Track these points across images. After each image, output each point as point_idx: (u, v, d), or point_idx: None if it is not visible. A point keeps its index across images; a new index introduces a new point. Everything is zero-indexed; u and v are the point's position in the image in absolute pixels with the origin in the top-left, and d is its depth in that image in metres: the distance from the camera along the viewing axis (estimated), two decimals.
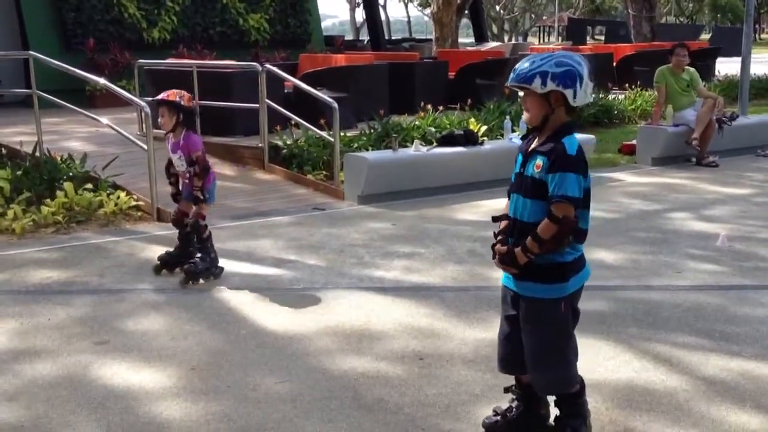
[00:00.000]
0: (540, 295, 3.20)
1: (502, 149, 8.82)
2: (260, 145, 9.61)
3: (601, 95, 14.01)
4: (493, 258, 3.30)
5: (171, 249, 6.05)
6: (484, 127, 10.20)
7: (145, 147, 8.09)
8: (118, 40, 15.62)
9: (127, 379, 4.21)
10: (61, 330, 4.93)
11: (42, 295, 5.55)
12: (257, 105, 9.50)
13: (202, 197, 5.78)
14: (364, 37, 28.23)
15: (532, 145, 3.21)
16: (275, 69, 9.86)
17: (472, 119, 10.57)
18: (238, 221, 7.62)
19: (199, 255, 5.84)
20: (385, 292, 5.53)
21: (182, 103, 5.61)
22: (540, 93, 3.09)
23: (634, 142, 11.06)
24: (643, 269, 6.06)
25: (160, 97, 5.66)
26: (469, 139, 8.84)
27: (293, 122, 9.77)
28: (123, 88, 10.30)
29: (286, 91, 10.86)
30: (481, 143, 8.98)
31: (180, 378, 4.24)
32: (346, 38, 26.80)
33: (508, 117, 9.95)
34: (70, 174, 8.31)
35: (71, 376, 4.27)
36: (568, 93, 3.08)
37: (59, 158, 8.73)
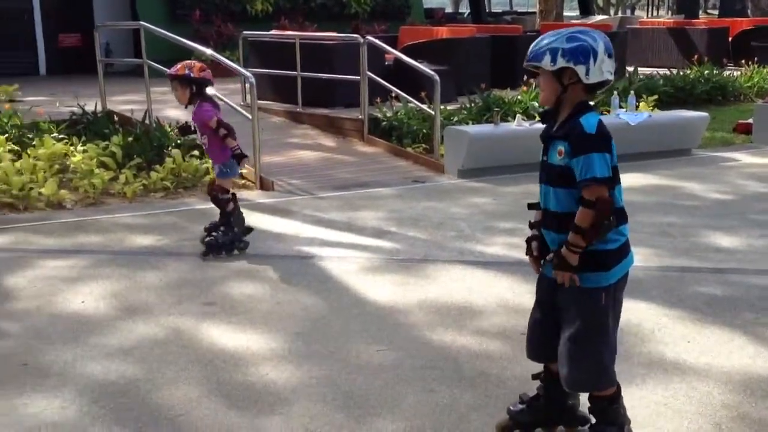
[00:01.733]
0: (579, 284, 2.97)
1: (608, 125, 8.54)
2: (360, 117, 9.65)
3: (715, 71, 13.46)
4: (526, 253, 3.15)
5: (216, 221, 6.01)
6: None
7: (249, 117, 8.23)
8: (222, 11, 15.89)
9: (234, 340, 4.32)
10: (170, 291, 5.09)
11: (153, 257, 5.74)
12: (358, 77, 9.53)
13: (243, 154, 5.70)
14: (464, 9, 27.89)
15: (553, 129, 3.02)
16: (376, 41, 9.86)
17: None
18: (338, 192, 7.69)
19: (221, 228, 5.81)
20: (486, 266, 5.50)
21: (192, 75, 5.49)
22: (551, 71, 2.92)
23: (750, 120, 10.62)
24: (758, 253, 5.84)
25: (168, 73, 5.60)
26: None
27: (393, 95, 9.78)
28: (227, 59, 10.47)
29: (386, 63, 10.86)
30: None
31: (284, 341, 4.32)
32: (445, 11, 26.55)
33: (615, 92, 9.70)
34: (178, 141, 8.53)
35: (181, 334, 4.41)
36: (580, 70, 2.88)
37: (168, 126, 8.97)
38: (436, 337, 4.37)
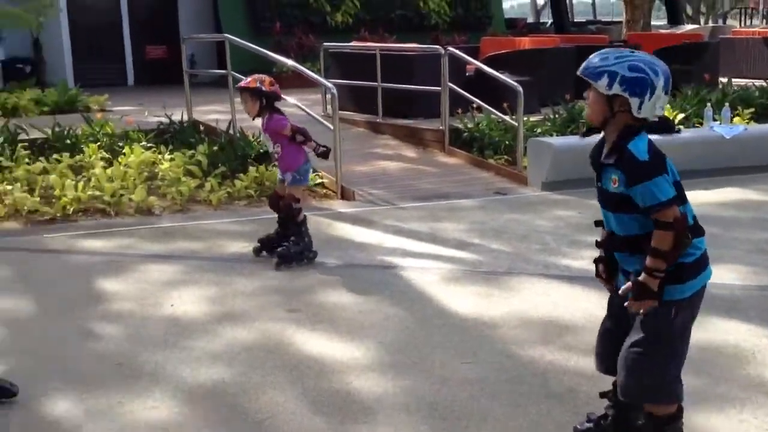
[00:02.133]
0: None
1: (701, 138, 8.46)
2: (441, 128, 9.64)
3: None
4: (596, 275, 3.08)
5: (272, 232, 6.01)
6: (681, 115, 9.78)
7: (331, 127, 8.30)
8: (303, 23, 16.11)
9: (319, 348, 4.34)
10: (256, 297, 5.16)
11: (238, 263, 5.83)
12: (438, 88, 9.52)
13: (325, 147, 5.76)
14: (545, 19, 27.57)
15: (602, 157, 2.92)
16: (458, 52, 9.84)
17: (668, 106, 10.13)
18: (420, 202, 7.69)
19: (292, 238, 5.82)
20: (572, 281, 5.41)
21: (263, 88, 5.59)
22: (604, 94, 2.83)
23: None
24: None
25: (240, 84, 5.70)
26: (665, 126, 8.45)
27: (475, 105, 9.73)
28: (308, 70, 10.59)
29: (467, 74, 10.81)
30: (678, 131, 8.59)
31: (368, 350, 4.32)
32: (527, 21, 26.32)
33: (708, 104, 9.46)
34: (261, 151, 8.66)
35: (267, 340, 4.46)
36: (634, 102, 2.79)
37: (251, 136, 9.12)
38: (522, 351, 4.31)
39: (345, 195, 7.92)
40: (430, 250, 6.18)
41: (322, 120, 9.06)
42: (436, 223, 6.93)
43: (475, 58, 10.55)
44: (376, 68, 10.25)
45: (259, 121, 5.82)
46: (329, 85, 8.60)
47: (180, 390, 3.84)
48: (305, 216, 5.87)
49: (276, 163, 5.88)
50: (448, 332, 4.58)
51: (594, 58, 2.87)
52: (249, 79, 5.65)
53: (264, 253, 5.92)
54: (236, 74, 9.56)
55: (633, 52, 2.89)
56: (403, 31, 16.85)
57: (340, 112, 8.36)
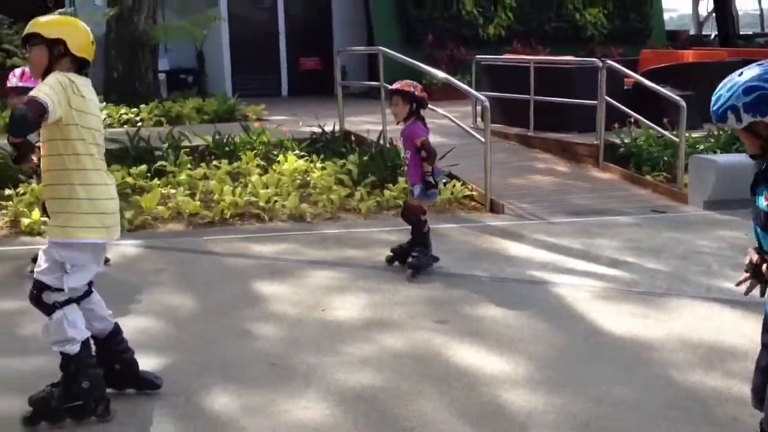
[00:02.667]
0: None
1: None
2: (596, 142, 9.40)
3: None
4: (761, 294, 2.84)
5: (404, 242, 6.01)
6: None
7: (482, 139, 8.26)
8: (454, 36, 16.14)
9: (468, 360, 4.31)
10: (405, 306, 5.18)
11: (391, 272, 5.86)
12: (594, 101, 9.30)
13: (432, 181, 5.72)
14: (707, 31, 26.36)
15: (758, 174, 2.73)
16: (616, 65, 9.58)
17: None
18: (573, 218, 7.52)
19: (417, 249, 5.80)
20: (736, 305, 5.08)
21: (415, 93, 5.63)
22: (741, 129, 2.62)
23: None
24: None
25: (394, 87, 5.72)
26: None
27: (632, 120, 9.44)
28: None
29: (625, 87, 10.50)
30: None
31: (518, 365, 4.25)
32: (690, 33, 25.25)
33: None
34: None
35: (416, 349, 4.46)
36: None
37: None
38: (680, 375, 4.12)
39: (494, 208, 7.84)
40: (583, 267, 6.02)
41: (472, 132, 9.03)
42: (588, 240, 6.75)
43: (632, 71, 10.24)
44: (528, 81, 10.14)
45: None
46: (482, 97, 8.56)
47: (331, 393, 3.90)
48: (429, 227, 5.88)
49: (406, 168, 5.89)
50: (601, 351, 4.44)
51: (713, 102, 2.71)
52: (402, 82, 5.73)
53: (396, 262, 5.98)
54: (387, 86, 9.68)
55: (750, 67, 2.69)
56: (557, 43, 16.54)
57: (492, 125, 8.31)
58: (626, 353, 4.41)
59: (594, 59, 10.15)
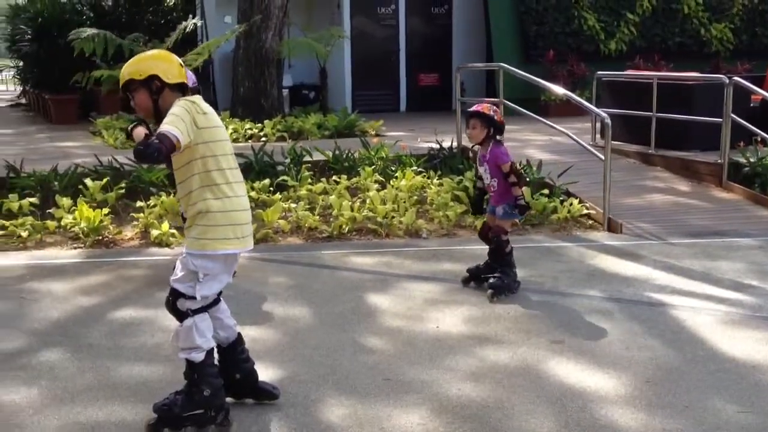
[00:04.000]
0: None
1: None
2: (719, 161, 9.12)
3: None
4: None
5: (480, 263, 5.98)
6: None
7: (602, 156, 8.16)
8: (575, 51, 15.96)
9: (582, 380, 4.29)
10: (518, 323, 5.19)
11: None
12: (718, 119, 9.04)
13: (525, 203, 5.72)
14: None
15: None
16: (743, 81, 9.28)
17: None
18: (693, 239, 7.33)
19: (499, 270, 5.75)
20: None
21: (495, 117, 5.61)
22: None
23: None
24: None
25: (474, 109, 5.69)
26: None
27: (759, 138, 9.11)
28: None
29: (751, 104, 10.16)
30: None
31: (634, 388, 4.20)
32: None
33: None
34: (528, 179, 8.69)
35: (529, 368, 4.47)
36: None
37: (518, 164, 9.18)
38: None
39: (612, 227, 7.73)
40: (703, 290, 5.87)
41: (591, 149, 8.92)
42: (709, 262, 6.57)
43: (760, 88, 9.89)
44: (650, 97, 9.94)
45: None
46: (603, 114, 8.45)
47: (445, 409, 3.96)
48: (511, 248, 5.86)
49: (491, 194, 5.87)
50: (722, 377, 4.34)
51: None
52: (482, 105, 5.76)
53: (472, 283, 5.97)
54: (507, 102, 9.73)
55: None
56: (681, 59, 16.13)
57: (613, 142, 8.19)
58: (748, 380, 4.29)
59: (720, 76, 9.86)
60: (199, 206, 3.67)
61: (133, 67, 3.70)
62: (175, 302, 3.71)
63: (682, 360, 4.59)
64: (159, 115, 3.66)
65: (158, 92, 3.68)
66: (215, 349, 3.84)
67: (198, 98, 3.70)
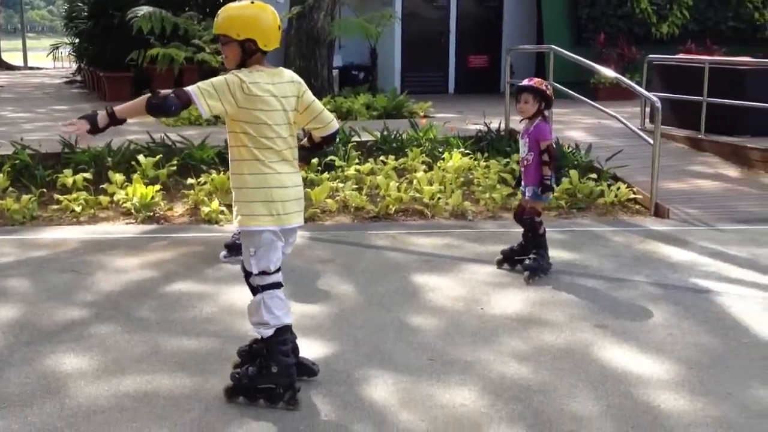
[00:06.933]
0: None
1: None
2: None
3: None
4: None
5: (514, 245, 5.98)
6: None
7: (650, 141, 8.09)
8: (626, 34, 15.75)
9: (625, 365, 4.30)
10: (563, 307, 5.21)
11: (551, 272, 5.87)
12: None
13: (550, 185, 5.67)
14: None
15: None
16: None
17: None
18: (740, 225, 7.26)
19: (534, 251, 5.77)
20: None
21: (547, 92, 5.61)
22: None
23: None
24: None
25: (525, 83, 5.67)
26: None
27: None
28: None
29: None
30: None
31: (677, 374, 4.20)
32: None
33: None
34: (575, 162, 8.66)
35: (573, 351, 4.50)
36: None
37: (566, 147, 9.15)
38: None
39: (659, 212, 7.68)
40: (750, 277, 5.83)
41: (640, 133, 8.85)
42: (757, 249, 6.51)
43: None
44: (701, 82, 9.80)
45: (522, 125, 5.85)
46: (654, 98, 8.37)
47: (487, 390, 4.01)
48: (545, 230, 5.86)
49: (522, 168, 5.87)
50: (766, 365, 4.32)
51: None
52: (534, 80, 5.75)
53: (506, 265, 6.00)
54: (557, 85, 9.65)
55: None
56: (733, 43, 15.80)
57: (663, 126, 8.11)
58: None
59: None
60: (234, 180, 3.79)
61: (234, 24, 3.65)
62: (247, 279, 3.86)
63: (726, 347, 4.58)
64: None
65: (250, 54, 3.69)
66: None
67: (259, 75, 3.68)
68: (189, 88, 3.59)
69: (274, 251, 3.80)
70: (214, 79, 3.63)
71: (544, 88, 5.65)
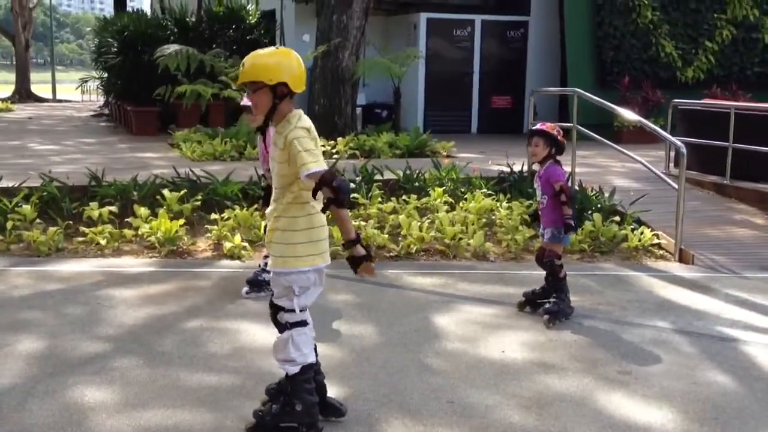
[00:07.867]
0: None
1: None
2: None
3: None
4: None
5: (537, 288, 5.96)
6: None
7: (675, 186, 8.05)
8: (651, 78, 15.77)
9: (648, 414, 4.24)
10: (585, 352, 5.16)
11: (572, 317, 5.84)
12: None
13: (572, 224, 5.68)
14: None
15: None
16: None
17: None
18: (767, 273, 7.17)
19: (554, 296, 5.76)
20: None
21: (558, 138, 5.67)
22: None
23: None
24: None
25: (537, 127, 5.77)
26: None
27: None
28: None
29: None
30: None
31: (701, 426, 4.15)
32: None
33: None
34: (599, 206, 8.63)
35: (594, 398, 4.44)
36: None
37: (589, 189, 9.13)
38: None
39: (683, 258, 7.62)
40: None
41: (664, 177, 8.82)
42: None
43: None
44: (727, 127, 9.76)
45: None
46: (678, 143, 8.34)
47: None
48: (565, 273, 5.85)
49: (540, 212, 5.89)
50: None
51: None
52: (546, 125, 5.83)
53: (528, 308, 5.97)
54: (580, 128, 9.66)
55: None
56: (760, 88, 15.81)
57: (688, 172, 8.07)
58: None
59: None
60: (283, 223, 3.76)
61: (265, 69, 3.66)
62: (275, 315, 3.86)
63: (753, 398, 4.50)
64: (270, 116, 3.75)
65: (281, 98, 3.70)
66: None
67: (301, 114, 3.76)
68: (317, 168, 3.57)
69: (315, 290, 3.85)
70: (305, 143, 3.62)
71: (555, 133, 5.72)
